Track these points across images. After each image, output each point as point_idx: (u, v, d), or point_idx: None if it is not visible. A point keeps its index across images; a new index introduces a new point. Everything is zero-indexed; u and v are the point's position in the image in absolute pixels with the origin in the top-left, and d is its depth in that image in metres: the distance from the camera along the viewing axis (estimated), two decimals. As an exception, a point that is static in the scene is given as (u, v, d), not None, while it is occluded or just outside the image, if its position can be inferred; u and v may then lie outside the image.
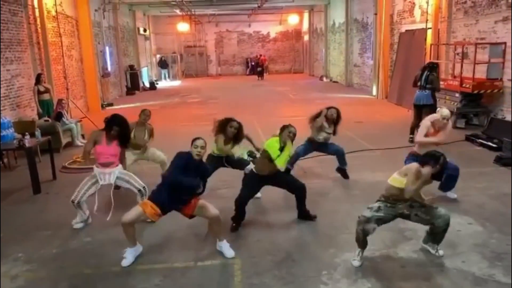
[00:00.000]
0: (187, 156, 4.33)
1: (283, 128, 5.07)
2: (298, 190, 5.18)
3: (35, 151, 7.34)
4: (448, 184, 5.55)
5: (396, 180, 4.05)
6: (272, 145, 4.98)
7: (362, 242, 4.12)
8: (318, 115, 6.56)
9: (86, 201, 5.24)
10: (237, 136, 5.84)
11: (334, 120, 6.57)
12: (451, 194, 5.66)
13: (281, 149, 4.96)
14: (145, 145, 6.41)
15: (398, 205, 4.08)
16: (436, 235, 4.19)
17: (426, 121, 5.64)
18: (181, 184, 4.23)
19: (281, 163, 4.94)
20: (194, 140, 4.36)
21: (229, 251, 4.44)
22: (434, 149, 5.25)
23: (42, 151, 8.15)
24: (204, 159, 4.92)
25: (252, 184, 5.17)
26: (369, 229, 4.02)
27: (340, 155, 6.71)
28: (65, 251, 4.70)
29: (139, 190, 5.17)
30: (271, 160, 4.92)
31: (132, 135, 6.07)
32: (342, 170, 6.78)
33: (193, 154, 4.30)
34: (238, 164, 6.01)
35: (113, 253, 4.48)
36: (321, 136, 6.59)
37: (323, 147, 6.74)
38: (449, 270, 4.04)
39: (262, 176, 5.08)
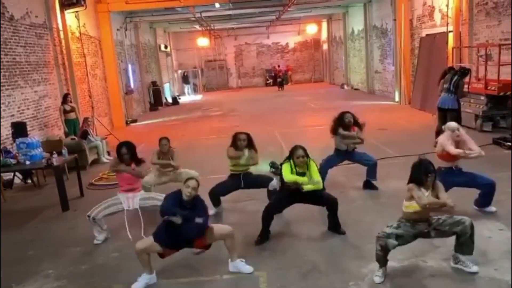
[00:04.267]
0: (176, 194, 4.30)
1: (291, 152, 4.98)
2: (329, 203, 5.04)
3: (62, 169, 7.53)
4: (485, 201, 5.38)
5: (409, 206, 3.96)
6: (284, 171, 4.92)
7: (383, 260, 4.02)
8: (337, 124, 6.50)
9: (110, 218, 5.37)
10: (249, 145, 5.83)
11: (352, 124, 6.45)
12: (490, 208, 5.41)
13: (300, 173, 4.90)
14: (175, 166, 6.41)
15: (417, 225, 3.98)
16: (463, 245, 4.01)
17: (444, 138, 5.30)
18: (170, 214, 4.09)
19: (314, 186, 4.86)
20: (187, 179, 4.25)
21: (245, 267, 4.36)
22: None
23: (69, 169, 8.36)
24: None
25: (283, 198, 5.10)
26: (389, 245, 3.91)
27: (371, 166, 6.58)
28: (94, 267, 4.78)
29: None
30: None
31: (157, 161, 6.40)
32: (369, 183, 6.65)
33: (183, 193, 4.18)
34: (258, 182, 5.95)
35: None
36: (344, 144, 6.50)
37: (351, 155, 6.61)
38: (481, 279, 3.92)
39: (293, 194, 4.98)
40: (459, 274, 4.03)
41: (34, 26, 10.79)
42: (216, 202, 5.94)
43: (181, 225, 4.06)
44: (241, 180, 5.88)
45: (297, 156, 4.89)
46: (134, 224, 5.30)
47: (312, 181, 4.86)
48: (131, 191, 5.34)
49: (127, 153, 5.32)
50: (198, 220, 4.10)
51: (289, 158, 5.00)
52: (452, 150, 5.15)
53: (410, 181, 4.01)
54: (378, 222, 5.25)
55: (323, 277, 4.17)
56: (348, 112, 6.60)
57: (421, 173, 3.91)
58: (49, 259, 5.01)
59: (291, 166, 4.93)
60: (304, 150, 4.95)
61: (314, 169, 4.97)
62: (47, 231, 6.01)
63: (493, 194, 5.33)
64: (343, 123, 6.45)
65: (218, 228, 4.39)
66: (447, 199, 3.94)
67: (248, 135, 5.87)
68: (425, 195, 3.91)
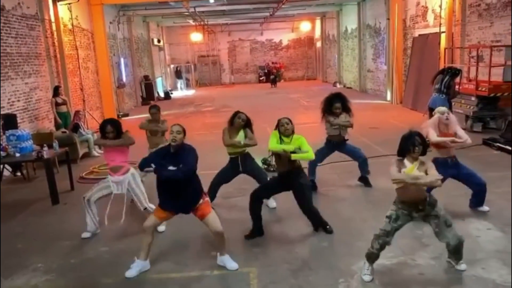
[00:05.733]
0: (161, 150, 4.37)
1: (277, 123, 4.99)
2: (300, 188, 4.98)
3: (53, 162, 7.47)
4: (478, 201, 5.46)
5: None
6: (270, 141, 4.93)
7: (375, 258, 4.03)
8: (326, 109, 6.43)
9: (97, 213, 5.34)
10: (246, 126, 5.74)
11: (341, 112, 6.34)
12: (483, 208, 5.48)
13: (287, 142, 4.90)
14: (164, 128, 6.47)
15: (413, 213, 3.96)
16: (450, 252, 4.05)
17: (429, 125, 5.40)
18: (163, 177, 4.15)
19: (303, 155, 4.85)
20: (172, 126, 4.30)
21: (231, 264, 4.36)
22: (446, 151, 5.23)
23: (60, 162, 8.30)
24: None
25: (272, 183, 5.15)
26: (388, 242, 3.93)
27: (361, 162, 6.58)
28: (83, 261, 4.76)
29: (145, 209, 5.18)
30: (286, 156, 4.80)
31: (148, 133, 6.56)
32: (364, 179, 6.67)
33: (170, 141, 4.23)
34: (256, 173, 5.88)
35: (129, 262, 4.49)
36: (335, 129, 6.39)
37: (342, 146, 6.52)
38: (469, 277, 3.97)
39: (282, 177, 4.98)
40: (447, 272, 4.08)
41: (25, 17, 10.66)
42: (213, 195, 5.84)
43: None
44: (239, 163, 5.77)
45: (282, 124, 4.90)
46: (117, 212, 5.29)
47: (302, 151, 4.83)
48: (118, 172, 5.16)
49: (112, 131, 5.11)
50: (171, 168, 4.12)
51: (276, 128, 4.99)
52: (434, 138, 5.21)
53: (398, 152, 4.01)
54: (368, 220, 5.31)
55: (313, 274, 4.20)
56: (338, 94, 6.51)
57: (408, 144, 3.89)
58: (38, 253, 4.98)
59: (279, 136, 4.92)
60: (289, 119, 4.96)
61: (304, 141, 4.90)
62: (36, 224, 5.97)
63: (485, 194, 5.41)
64: (331, 110, 6.36)
65: (215, 220, 4.33)
66: (433, 176, 3.85)
67: (248, 118, 5.75)
68: (407, 168, 3.89)
